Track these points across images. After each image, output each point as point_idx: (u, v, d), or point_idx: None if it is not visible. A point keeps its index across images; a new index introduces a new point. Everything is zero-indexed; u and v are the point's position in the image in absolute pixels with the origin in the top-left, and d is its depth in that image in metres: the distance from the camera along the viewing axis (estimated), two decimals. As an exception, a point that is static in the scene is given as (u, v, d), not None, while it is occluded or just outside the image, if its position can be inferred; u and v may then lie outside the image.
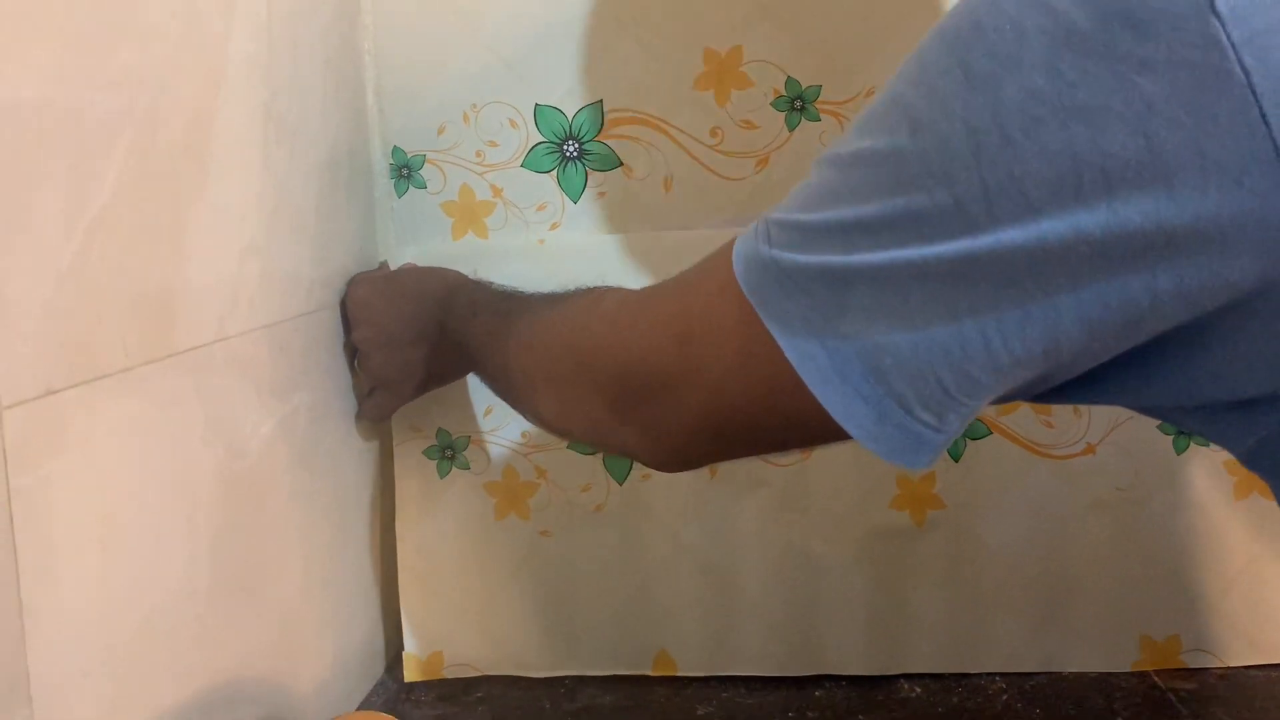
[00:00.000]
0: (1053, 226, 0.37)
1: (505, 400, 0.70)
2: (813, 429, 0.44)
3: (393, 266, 0.84)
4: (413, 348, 0.76)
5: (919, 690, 0.80)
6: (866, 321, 0.42)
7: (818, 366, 0.43)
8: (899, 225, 0.40)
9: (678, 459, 0.53)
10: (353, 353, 0.79)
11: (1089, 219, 0.37)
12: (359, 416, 0.80)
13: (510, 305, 0.68)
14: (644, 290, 0.55)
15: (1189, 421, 0.45)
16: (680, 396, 0.49)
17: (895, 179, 0.40)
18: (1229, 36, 0.34)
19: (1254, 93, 0.34)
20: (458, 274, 0.78)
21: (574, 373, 0.56)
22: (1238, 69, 0.34)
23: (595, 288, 0.62)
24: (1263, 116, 0.34)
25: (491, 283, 0.75)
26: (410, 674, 0.85)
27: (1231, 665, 0.82)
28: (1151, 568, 0.82)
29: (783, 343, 0.43)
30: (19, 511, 0.43)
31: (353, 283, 0.79)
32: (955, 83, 0.39)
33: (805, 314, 0.43)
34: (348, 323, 0.78)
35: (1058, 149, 0.36)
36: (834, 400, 0.43)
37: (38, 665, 0.44)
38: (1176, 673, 0.81)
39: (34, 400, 0.44)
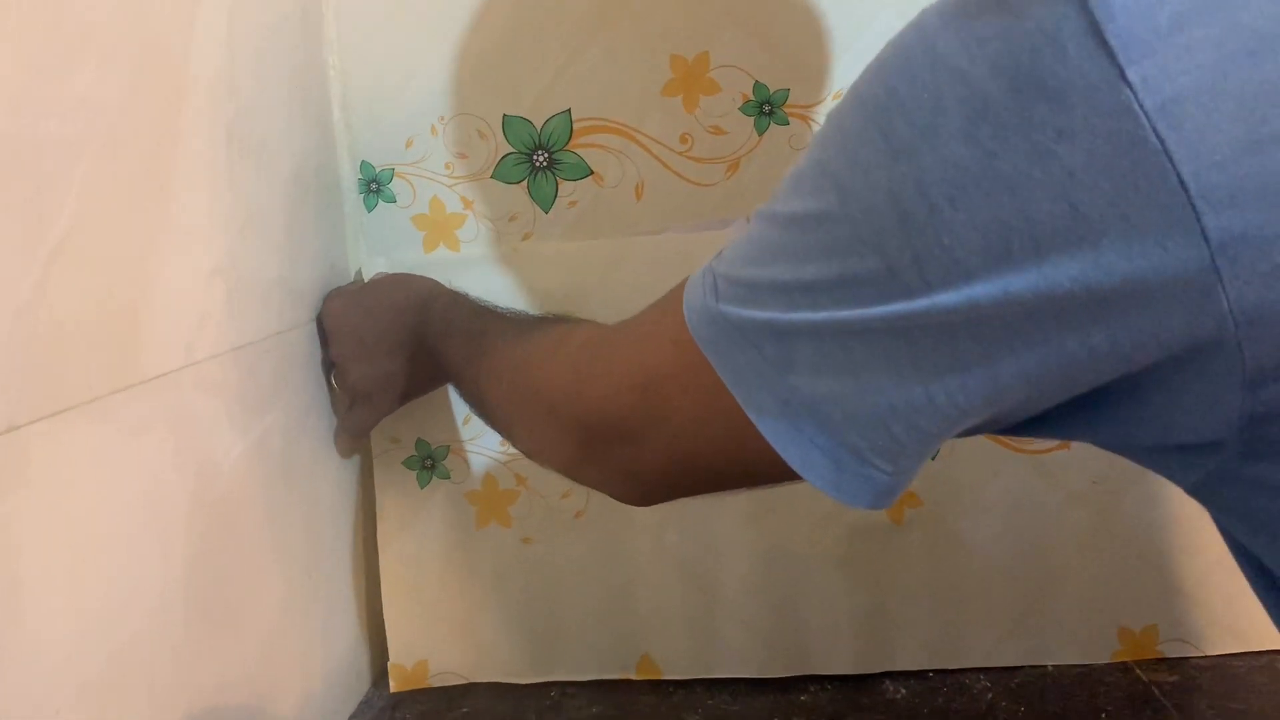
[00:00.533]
0: (985, 290, 0.38)
1: (483, 421, 0.71)
2: (774, 474, 0.45)
3: (366, 279, 0.84)
4: (390, 359, 0.76)
5: (904, 691, 0.80)
6: (813, 375, 0.43)
7: (773, 419, 0.44)
8: (835, 289, 0.41)
9: (644, 499, 0.55)
10: (329, 368, 0.79)
11: (1020, 282, 0.37)
12: (339, 431, 0.80)
13: (482, 325, 0.68)
14: (603, 334, 0.56)
15: (1138, 458, 0.46)
16: (643, 445, 0.51)
17: (827, 245, 0.42)
18: (1141, 105, 0.34)
19: (1170, 159, 0.34)
20: (432, 283, 0.78)
21: (543, 415, 0.57)
22: (1152, 136, 0.34)
23: (560, 321, 0.63)
24: (1180, 182, 0.34)
25: (466, 295, 0.75)
26: (396, 684, 0.85)
27: (1209, 654, 0.82)
28: (1128, 559, 0.82)
29: (737, 395, 0.45)
30: (-16, 550, 0.42)
31: (328, 298, 0.79)
32: (876, 152, 0.39)
33: (757, 367, 0.44)
34: (324, 337, 0.78)
35: (985, 218, 0.37)
36: (792, 452, 0.44)
37: (7, 704, 0.43)
38: (1159, 664, 0.81)
39: (-4, 436, 0.43)
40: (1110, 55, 0.35)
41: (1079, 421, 0.43)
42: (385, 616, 0.84)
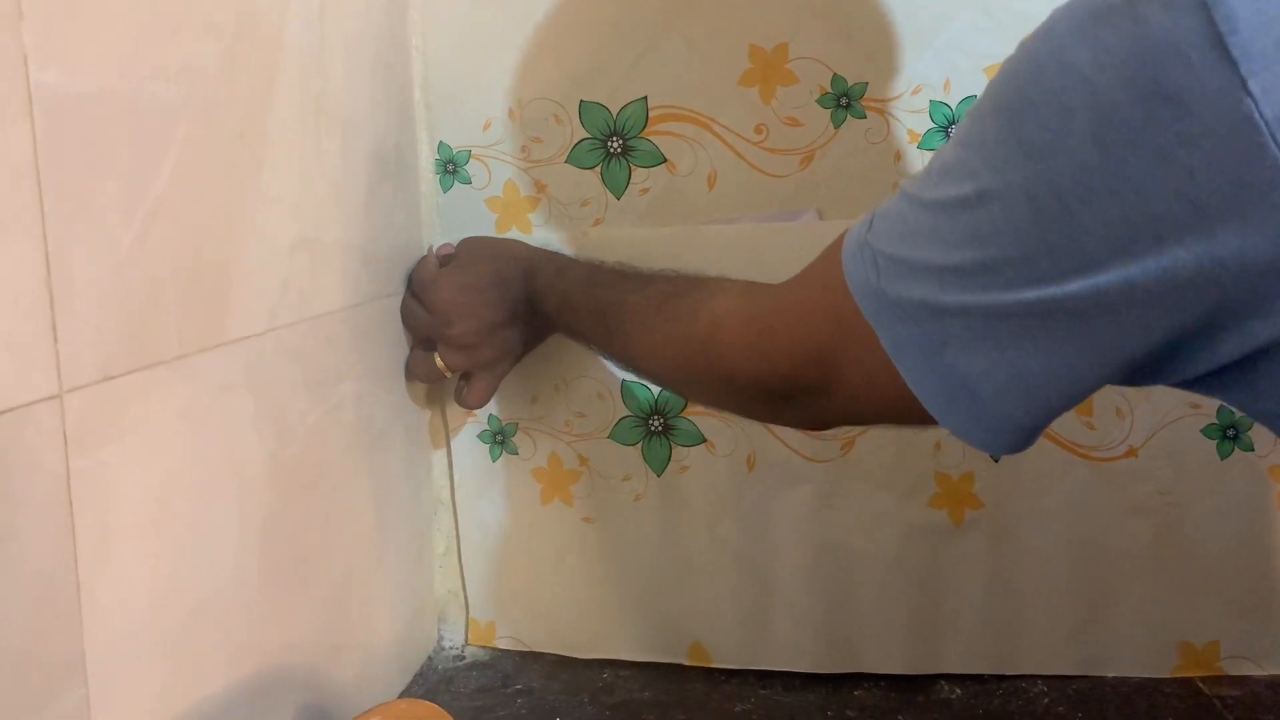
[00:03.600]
0: (1108, 279, 0.42)
1: (626, 370, 0.77)
2: (933, 422, 0.51)
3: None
4: (510, 328, 0.79)
5: (959, 692, 0.80)
6: (964, 353, 0.47)
7: (930, 389, 0.49)
8: (980, 273, 0.46)
9: (825, 429, 0.67)
10: (427, 346, 0.79)
11: (1141, 271, 0.42)
12: (462, 403, 0.82)
13: (608, 298, 0.73)
14: (765, 305, 0.60)
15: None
16: (823, 402, 0.56)
17: (972, 233, 0.46)
18: (1262, 114, 0.37)
19: None
20: (524, 246, 0.81)
21: (722, 384, 0.63)
22: (1272, 145, 0.37)
23: (693, 285, 0.68)
24: None
25: (563, 257, 0.80)
26: (474, 638, 0.89)
27: (1274, 673, 0.80)
28: (1192, 573, 0.81)
29: (900, 366, 0.50)
30: (78, 494, 0.44)
31: (425, 288, 0.79)
32: (1011, 152, 0.44)
33: (918, 341, 0.49)
34: (419, 320, 0.79)
35: (1112, 215, 0.41)
36: (950, 419, 0.50)
37: (93, 646, 0.45)
38: (1221, 680, 0.80)
39: (93, 385, 0.45)
40: (1233, 66, 0.37)
41: (1223, 388, 0.47)
42: (464, 575, 0.89)
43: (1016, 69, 0.44)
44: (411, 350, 0.81)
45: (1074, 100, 0.41)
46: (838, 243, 0.54)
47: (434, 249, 0.83)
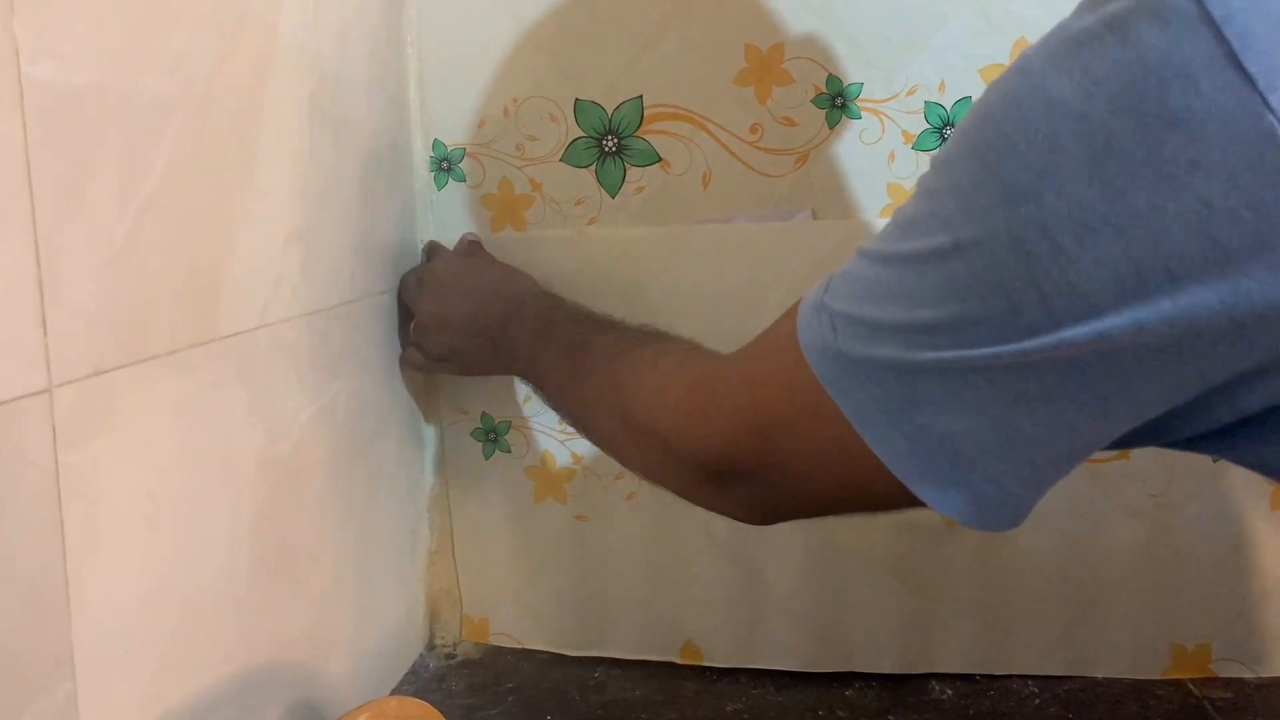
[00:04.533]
0: (1115, 323, 0.38)
1: (586, 439, 0.72)
2: (902, 503, 0.46)
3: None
4: (466, 339, 0.78)
5: (950, 693, 0.80)
6: (941, 413, 0.43)
7: (903, 456, 0.44)
8: (956, 329, 0.41)
9: (765, 523, 0.55)
10: (407, 315, 0.81)
11: (1152, 313, 0.37)
12: (401, 359, 0.83)
13: (582, 338, 0.69)
14: (711, 370, 0.56)
15: None
16: (765, 483, 0.51)
17: (944, 286, 0.41)
18: None
19: None
20: (530, 282, 0.80)
21: (657, 450, 0.57)
22: None
23: (657, 340, 0.64)
24: None
25: (563, 300, 0.77)
26: (466, 633, 0.90)
27: (1265, 676, 0.81)
28: (1184, 575, 0.81)
29: (864, 433, 0.45)
30: (67, 488, 0.44)
31: (433, 254, 0.82)
32: (991, 196, 0.40)
33: (883, 405, 0.44)
34: (413, 291, 0.80)
35: (1117, 255, 0.37)
36: (925, 488, 0.44)
37: (82, 642, 0.45)
38: (1212, 681, 0.80)
39: (84, 379, 0.45)
40: (1251, 84, 0.35)
41: (1231, 444, 0.43)
42: (458, 571, 0.89)
43: (989, 109, 0.41)
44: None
45: (1061, 134, 0.38)
46: (791, 310, 0.49)
47: (465, 236, 0.84)
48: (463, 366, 0.81)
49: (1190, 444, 0.45)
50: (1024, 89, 0.39)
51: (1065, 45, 0.38)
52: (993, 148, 0.40)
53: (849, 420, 0.45)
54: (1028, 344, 0.40)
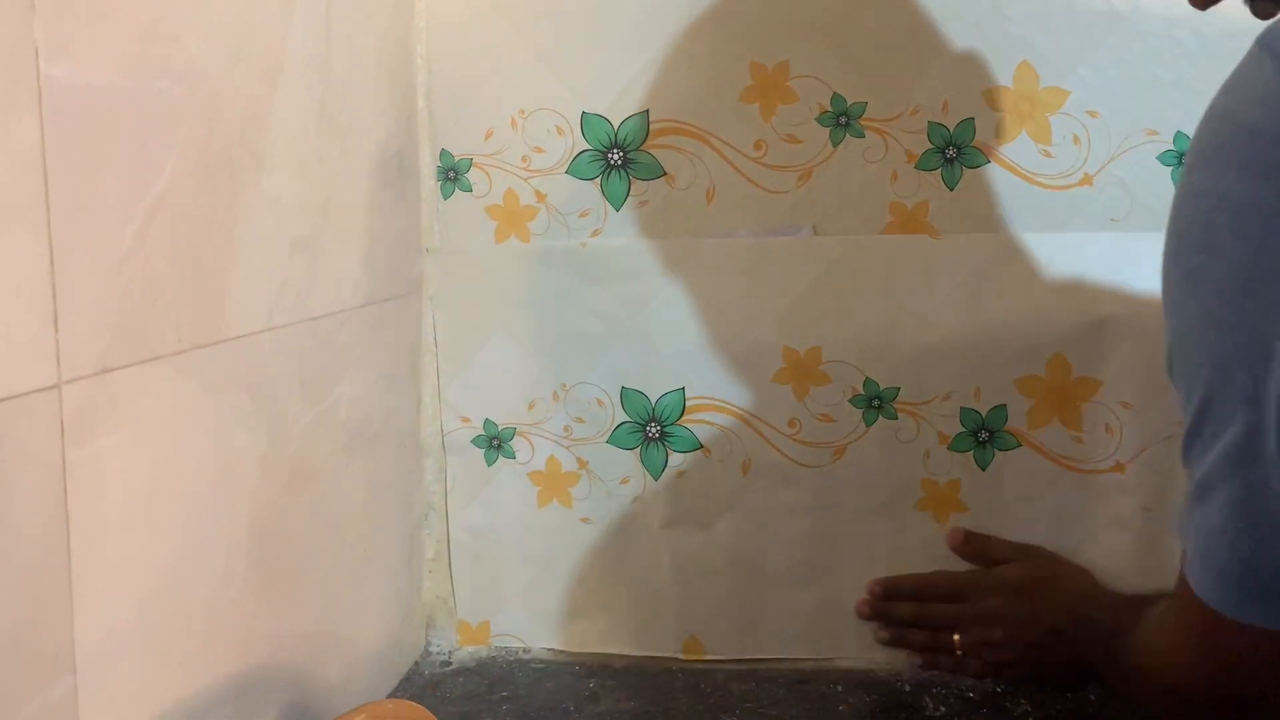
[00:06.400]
0: None
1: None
2: None
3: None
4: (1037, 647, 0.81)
5: (944, 709, 0.80)
6: None
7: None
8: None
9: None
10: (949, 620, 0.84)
11: None
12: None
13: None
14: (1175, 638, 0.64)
15: None
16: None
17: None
18: None
19: None
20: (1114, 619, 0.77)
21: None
22: None
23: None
24: None
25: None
26: (462, 639, 0.90)
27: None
28: (1169, 586, 0.81)
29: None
30: (73, 484, 0.44)
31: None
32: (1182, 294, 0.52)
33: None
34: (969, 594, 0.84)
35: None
36: None
37: (83, 634, 0.45)
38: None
39: (91, 377, 0.45)
40: None
41: None
42: (453, 579, 0.90)
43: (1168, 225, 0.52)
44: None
45: (1216, 217, 0.48)
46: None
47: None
48: (1023, 668, 0.83)
49: None
50: (1181, 192, 0.54)
51: (1210, 146, 0.52)
52: (1170, 248, 0.54)
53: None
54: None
